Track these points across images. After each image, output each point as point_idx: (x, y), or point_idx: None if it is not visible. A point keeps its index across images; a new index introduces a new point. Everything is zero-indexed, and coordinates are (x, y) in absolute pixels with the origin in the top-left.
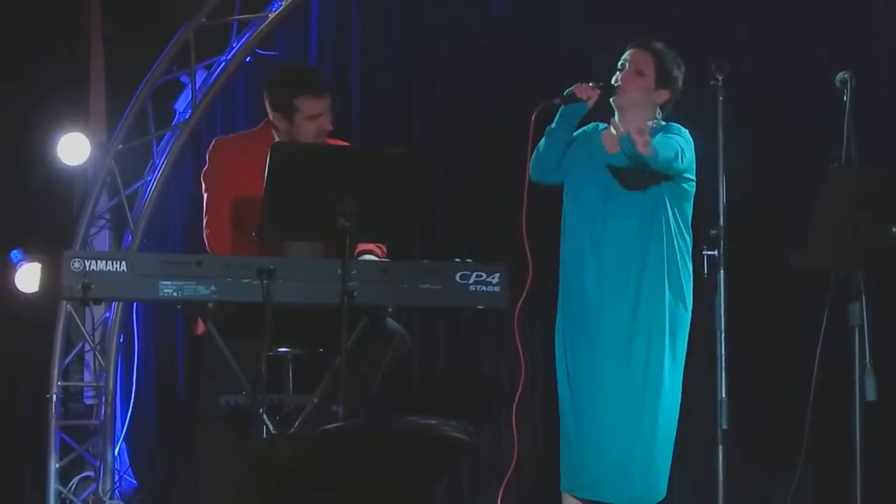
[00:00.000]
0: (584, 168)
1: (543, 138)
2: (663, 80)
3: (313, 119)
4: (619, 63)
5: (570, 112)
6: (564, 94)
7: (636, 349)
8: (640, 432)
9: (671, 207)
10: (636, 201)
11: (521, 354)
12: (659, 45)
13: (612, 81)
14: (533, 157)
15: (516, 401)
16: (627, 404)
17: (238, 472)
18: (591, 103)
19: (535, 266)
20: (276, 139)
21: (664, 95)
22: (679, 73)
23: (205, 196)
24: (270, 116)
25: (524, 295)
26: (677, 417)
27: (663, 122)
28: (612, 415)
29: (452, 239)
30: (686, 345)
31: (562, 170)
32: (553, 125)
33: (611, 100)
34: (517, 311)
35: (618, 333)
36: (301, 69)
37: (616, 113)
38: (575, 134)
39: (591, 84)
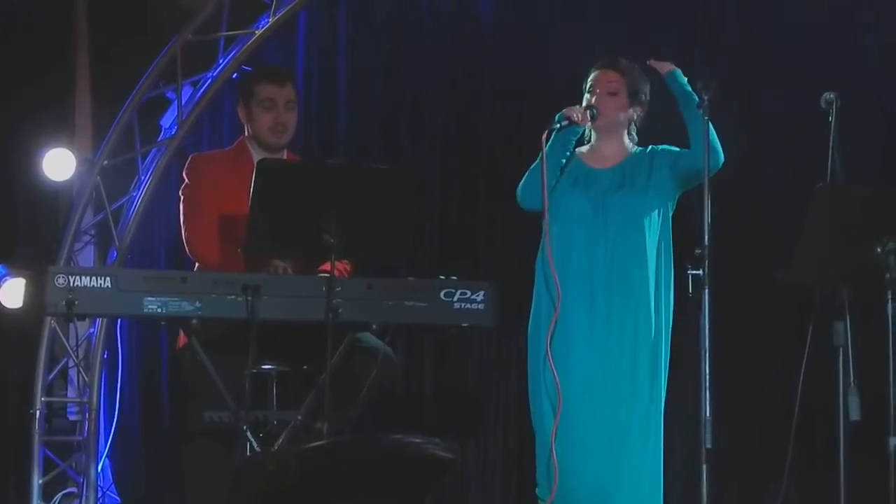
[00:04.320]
0: (569, 189)
1: (536, 163)
2: (634, 97)
3: (268, 108)
4: (587, 85)
5: (564, 136)
6: (559, 118)
7: (641, 364)
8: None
9: (663, 218)
10: (631, 213)
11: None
12: (625, 63)
13: (584, 105)
14: (522, 183)
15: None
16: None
17: (223, 489)
18: (582, 126)
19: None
20: (252, 155)
21: (636, 111)
22: (646, 87)
23: (181, 208)
24: (239, 114)
25: (554, 320)
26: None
27: (650, 147)
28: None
29: (439, 256)
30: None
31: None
32: (547, 149)
33: (589, 123)
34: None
35: (621, 347)
36: (269, 64)
37: (594, 135)
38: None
39: (578, 107)
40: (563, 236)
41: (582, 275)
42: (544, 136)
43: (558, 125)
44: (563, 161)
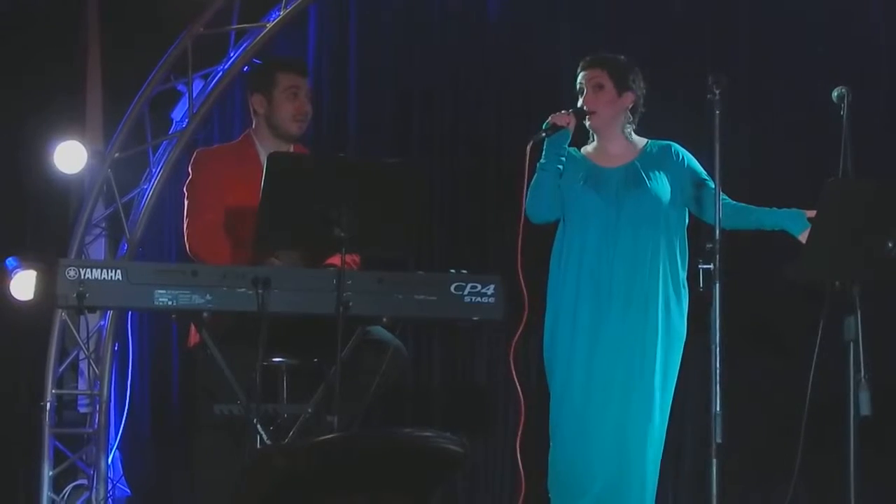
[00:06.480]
0: (582, 189)
1: (535, 175)
2: (621, 84)
3: (292, 95)
4: (577, 87)
5: (555, 142)
6: (545, 126)
7: (647, 364)
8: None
9: (679, 215)
10: (647, 211)
11: (521, 392)
12: (607, 56)
13: (579, 105)
14: (528, 198)
15: (519, 436)
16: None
17: (233, 481)
18: (571, 129)
19: (531, 298)
20: (258, 150)
21: (628, 99)
22: (635, 75)
23: (185, 204)
24: (251, 103)
25: (521, 330)
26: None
27: (650, 142)
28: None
29: (448, 249)
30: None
31: (557, 204)
32: (543, 160)
33: (585, 122)
34: (513, 347)
35: (632, 344)
36: (285, 55)
37: (593, 134)
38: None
39: (563, 112)
40: (576, 234)
41: (595, 272)
42: (528, 145)
43: (544, 133)
44: (560, 167)
